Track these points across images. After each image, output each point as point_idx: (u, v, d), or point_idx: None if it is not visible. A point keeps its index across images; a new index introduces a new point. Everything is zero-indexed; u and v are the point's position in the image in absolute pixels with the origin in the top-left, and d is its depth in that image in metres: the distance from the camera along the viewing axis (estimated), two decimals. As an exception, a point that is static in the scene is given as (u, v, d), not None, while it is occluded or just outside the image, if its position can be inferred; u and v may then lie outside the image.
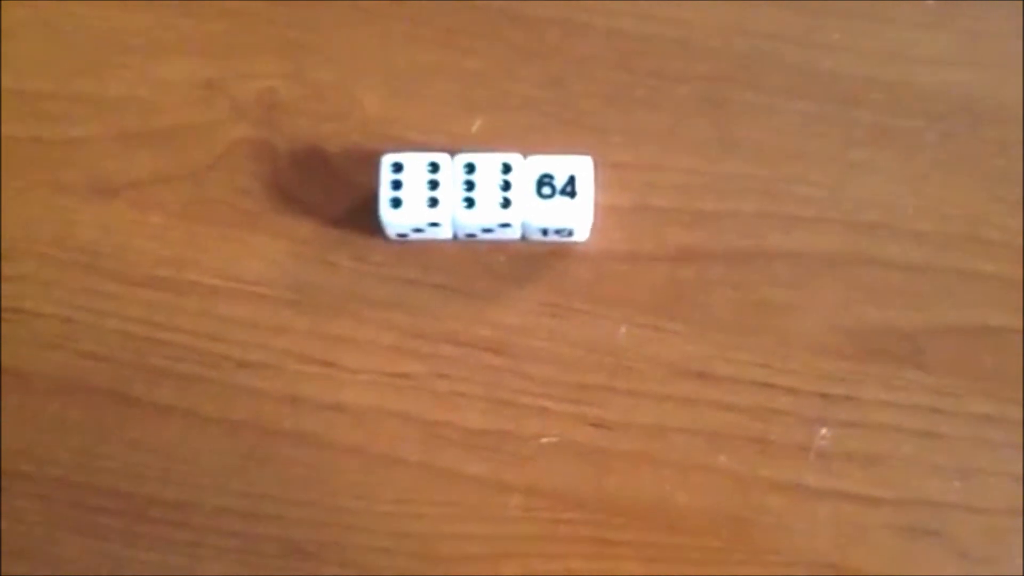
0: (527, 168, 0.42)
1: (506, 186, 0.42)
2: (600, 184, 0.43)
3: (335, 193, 0.44)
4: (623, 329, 0.43)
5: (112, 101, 0.45)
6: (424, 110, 0.45)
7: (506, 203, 0.42)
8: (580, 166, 0.42)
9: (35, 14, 0.47)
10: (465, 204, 0.42)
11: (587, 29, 0.46)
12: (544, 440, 0.42)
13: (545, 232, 0.43)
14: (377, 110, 0.45)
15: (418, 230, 0.43)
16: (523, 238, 0.44)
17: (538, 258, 0.44)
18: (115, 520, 0.41)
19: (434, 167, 0.42)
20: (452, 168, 0.42)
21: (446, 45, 0.46)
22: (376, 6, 0.46)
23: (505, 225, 0.42)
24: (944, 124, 0.44)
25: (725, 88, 0.45)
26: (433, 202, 0.42)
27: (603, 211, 0.43)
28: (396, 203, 0.42)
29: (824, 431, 0.42)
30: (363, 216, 0.44)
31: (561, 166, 0.42)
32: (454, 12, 0.46)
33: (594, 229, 0.43)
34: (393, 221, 0.42)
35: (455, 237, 0.44)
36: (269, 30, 0.46)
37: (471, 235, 0.43)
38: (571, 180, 0.42)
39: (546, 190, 0.42)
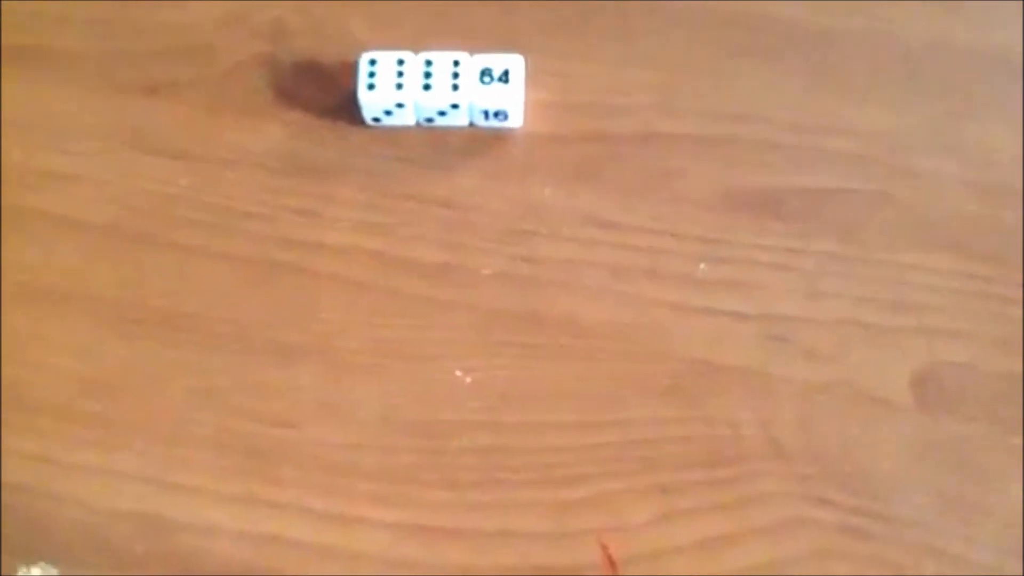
0: (472, 63, 0.54)
1: (455, 76, 0.54)
2: (530, 84, 0.55)
3: (325, 93, 0.57)
4: (547, 190, 0.55)
5: (156, 24, 0.58)
6: (399, 34, 0.57)
7: (455, 88, 0.54)
8: (513, 61, 0.54)
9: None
10: (424, 88, 0.54)
11: None
12: (485, 272, 0.53)
13: (486, 115, 0.55)
14: (363, 35, 0.58)
15: (387, 112, 0.55)
16: (471, 124, 0.56)
17: (482, 139, 0.56)
18: (144, 328, 0.53)
19: (400, 61, 0.54)
20: (415, 63, 0.54)
21: None
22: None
23: (455, 106, 0.54)
24: (800, 44, 0.57)
25: (629, 15, 0.57)
26: (399, 87, 0.54)
27: (532, 105, 0.56)
28: (371, 87, 0.54)
29: (703, 265, 0.53)
30: (346, 110, 0.56)
31: (499, 61, 0.54)
32: None
33: (526, 119, 0.56)
34: (368, 102, 0.54)
35: (417, 123, 0.56)
36: None
37: (429, 119, 0.55)
38: (506, 71, 0.54)
39: (487, 78, 0.54)
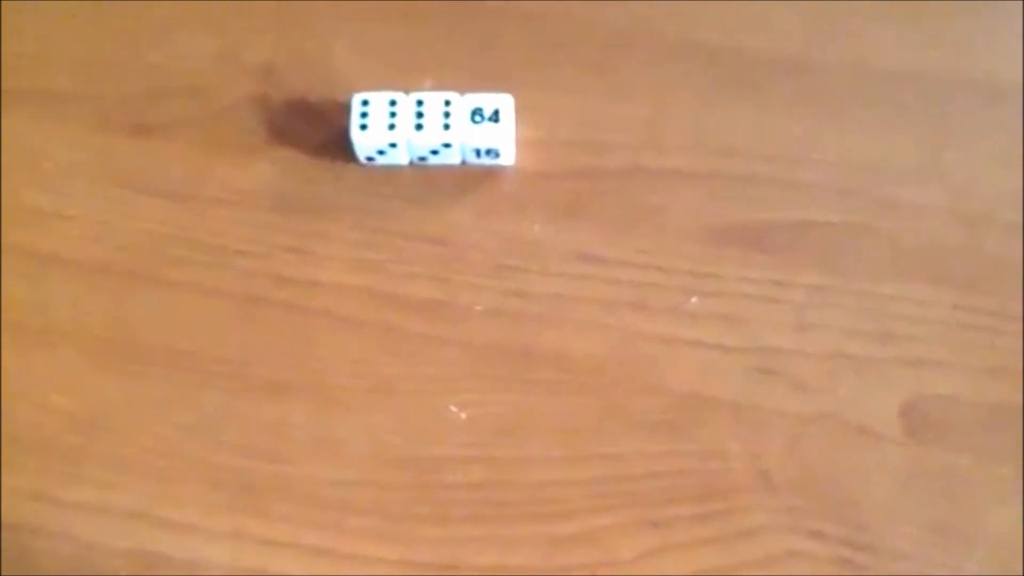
0: (463, 103, 0.55)
1: (447, 115, 0.55)
2: (518, 120, 0.56)
3: (317, 131, 0.57)
4: (537, 226, 0.55)
5: (147, 65, 0.59)
6: (387, 71, 0.58)
7: (447, 127, 0.55)
8: (503, 101, 0.55)
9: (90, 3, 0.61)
10: (416, 128, 0.55)
11: (507, 10, 0.59)
12: (478, 308, 0.54)
13: (478, 153, 0.56)
14: (351, 72, 0.58)
15: (380, 152, 0.56)
16: (463, 162, 0.57)
17: (474, 176, 0.56)
18: (136, 365, 0.53)
19: (392, 102, 0.55)
20: (406, 103, 0.55)
21: (405, 21, 0.59)
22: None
23: (447, 145, 0.55)
24: (776, 75, 0.58)
25: (614, 50, 0.58)
26: (391, 127, 0.55)
27: (522, 142, 0.56)
28: (363, 127, 0.55)
29: (695, 299, 0.54)
30: (338, 148, 0.56)
31: (489, 101, 0.55)
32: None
33: (516, 157, 0.56)
34: (361, 142, 0.55)
35: (410, 162, 0.56)
36: (265, 12, 0.60)
37: (422, 158, 0.56)
38: (496, 111, 0.55)
39: (477, 118, 0.55)
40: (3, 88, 0.59)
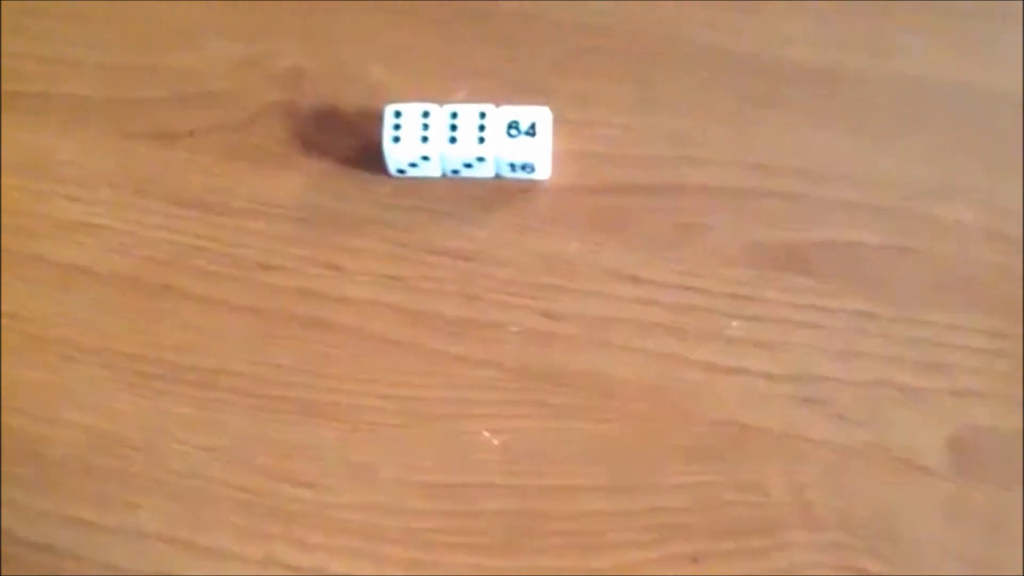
0: (498, 115, 0.54)
1: (482, 128, 0.53)
2: (555, 135, 0.54)
3: (347, 142, 0.56)
4: (573, 244, 0.53)
5: (171, 70, 0.57)
6: (420, 80, 0.57)
7: (481, 140, 0.53)
8: (541, 114, 0.53)
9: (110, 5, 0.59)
10: (450, 140, 0.53)
11: (542, 20, 0.58)
12: (512, 329, 0.52)
13: (513, 167, 0.54)
14: (382, 79, 0.57)
15: (413, 164, 0.54)
16: (496, 176, 0.55)
17: (508, 190, 0.55)
18: (162, 383, 0.52)
19: (426, 114, 0.54)
20: (440, 115, 0.54)
21: (439, 29, 0.58)
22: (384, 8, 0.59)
23: (481, 159, 0.53)
24: (821, 91, 0.56)
25: (651, 64, 0.57)
26: (424, 139, 0.53)
27: (557, 155, 0.55)
28: (396, 139, 0.53)
29: (735, 323, 0.52)
30: (369, 159, 0.55)
31: (526, 114, 0.53)
32: (442, 7, 0.58)
33: (551, 171, 0.55)
34: (393, 155, 0.53)
35: (443, 174, 0.55)
36: (294, 17, 0.58)
37: (455, 171, 0.55)
38: (533, 124, 0.53)
39: (513, 131, 0.53)
40: (27, 94, 0.57)
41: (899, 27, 0.57)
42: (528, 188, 0.55)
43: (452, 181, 0.55)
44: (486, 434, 0.50)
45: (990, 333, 0.51)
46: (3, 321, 0.53)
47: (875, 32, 0.57)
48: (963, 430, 0.50)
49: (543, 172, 0.55)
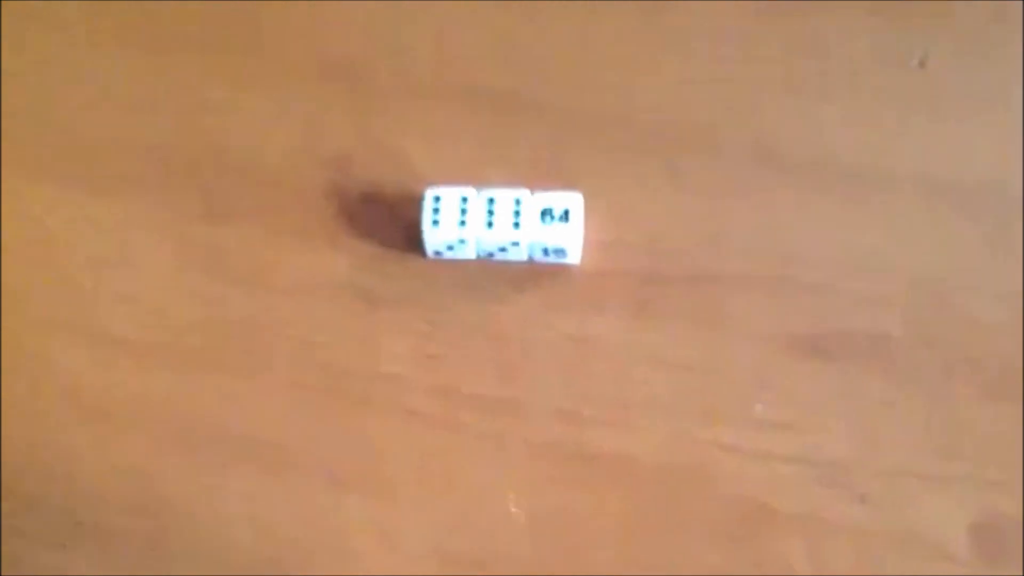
0: (533, 200, 0.56)
1: (517, 214, 0.56)
2: (586, 221, 0.56)
3: (388, 223, 0.58)
4: (603, 326, 0.55)
5: (219, 150, 0.60)
6: (457, 165, 0.59)
7: (516, 225, 0.55)
8: (573, 200, 0.56)
9: (179, 87, 0.62)
10: (487, 226, 0.55)
11: (575, 110, 0.60)
12: (540, 406, 0.53)
13: (546, 252, 0.56)
14: (423, 164, 0.59)
15: (450, 247, 0.56)
16: (529, 259, 0.57)
17: (540, 274, 0.56)
18: (200, 451, 0.54)
19: (464, 199, 0.56)
20: (477, 201, 0.56)
21: (476, 119, 0.60)
22: (415, 90, 0.61)
23: (515, 243, 0.56)
24: (848, 182, 0.57)
25: (681, 153, 0.58)
26: (462, 223, 0.55)
27: (589, 241, 0.56)
28: (435, 223, 0.55)
29: (759, 406, 0.53)
30: (407, 240, 0.57)
31: (559, 200, 0.56)
32: (480, 95, 0.61)
33: (582, 256, 0.57)
34: (431, 238, 0.56)
35: (477, 256, 0.57)
36: (342, 104, 0.61)
37: (490, 254, 0.57)
38: (566, 210, 0.55)
39: (547, 217, 0.55)
40: (84, 175, 0.60)
41: (933, 124, 0.58)
42: (559, 272, 0.57)
43: (486, 263, 0.57)
44: (513, 509, 0.52)
45: (1013, 421, 0.52)
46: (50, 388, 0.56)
47: (908, 130, 0.58)
48: (987, 517, 0.50)
49: (574, 257, 0.57)
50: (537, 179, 0.57)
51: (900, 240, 0.56)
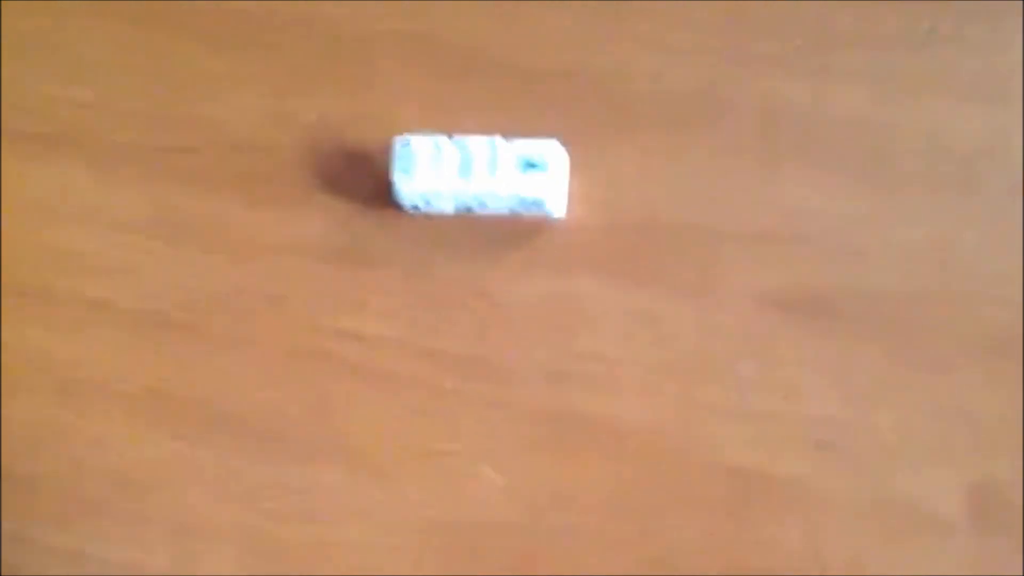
0: (510, 148, 0.52)
1: (493, 159, 0.52)
2: (573, 173, 0.53)
3: (365, 180, 0.55)
4: (587, 283, 0.52)
5: (194, 117, 0.57)
6: (435, 122, 0.55)
7: (493, 172, 0.52)
8: (551, 147, 0.52)
9: (153, 55, 0.59)
10: (462, 173, 0.52)
11: (562, 68, 0.55)
12: (521, 367, 0.51)
13: (526, 204, 0.53)
14: (404, 121, 0.55)
15: (426, 200, 0.53)
16: (511, 212, 0.54)
17: (523, 228, 0.53)
18: (179, 424, 0.52)
19: (437, 145, 0.53)
20: (450, 146, 0.53)
21: (450, 77, 0.56)
22: (387, 45, 0.57)
23: (493, 194, 0.53)
24: (850, 140, 0.52)
25: (673, 109, 0.54)
26: (436, 171, 0.52)
27: (576, 197, 0.53)
28: (407, 171, 0.53)
29: (750, 366, 0.50)
30: (386, 197, 0.54)
31: (536, 148, 0.52)
32: (455, 54, 0.57)
33: (568, 209, 0.53)
34: (405, 188, 0.53)
35: (456, 211, 0.54)
36: (317, 64, 0.57)
37: (469, 207, 0.54)
38: (544, 159, 0.52)
39: (525, 166, 0.52)
40: (61, 140, 0.58)
41: (938, 91, 0.53)
42: (543, 227, 0.54)
43: (466, 218, 0.54)
44: (492, 474, 0.50)
45: (1011, 383, 0.49)
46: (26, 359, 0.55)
47: (910, 93, 0.53)
48: (983, 482, 0.47)
49: (557, 210, 0.54)
50: (525, 134, 0.53)
51: (896, 199, 0.52)
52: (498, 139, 0.53)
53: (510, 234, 0.54)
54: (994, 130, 0.52)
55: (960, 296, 0.50)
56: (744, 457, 0.49)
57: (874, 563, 0.46)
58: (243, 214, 0.55)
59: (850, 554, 0.47)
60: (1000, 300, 0.50)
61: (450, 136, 0.53)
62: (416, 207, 0.54)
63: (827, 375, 0.49)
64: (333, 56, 0.57)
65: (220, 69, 0.58)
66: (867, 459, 0.48)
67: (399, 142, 0.53)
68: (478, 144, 0.53)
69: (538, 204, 0.53)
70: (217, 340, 0.54)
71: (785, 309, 0.50)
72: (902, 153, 0.52)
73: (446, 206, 0.54)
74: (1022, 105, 0.51)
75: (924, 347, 0.49)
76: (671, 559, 0.48)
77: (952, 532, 0.46)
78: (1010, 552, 0.46)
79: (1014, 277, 0.50)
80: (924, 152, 0.52)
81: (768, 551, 0.47)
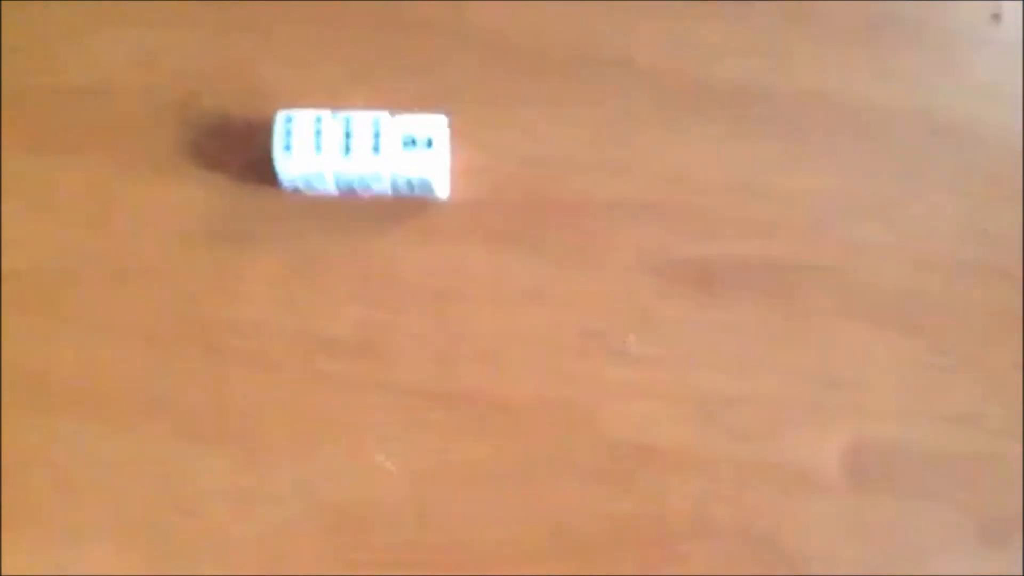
0: (394, 124, 0.52)
1: (376, 136, 0.52)
2: (455, 148, 0.53)
3: (243, 152, 0.53)
4: (472, 260, 0.52)
5: (55, 67, 0.54)
6: (318, 90, 0.54)
7: (376, 150, 0.51)
8: (437, 123, 0.52)
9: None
10: (344, 151, 0.51)
11: (449, 30, 0.55)
12: (407, 347, 0.51)
13: (411, 185, 0.52)
14: (281, 91, 0.54)
15: (307, 181, 0.52)
16: (394, 192, 0.53)
17: (407, 207, 0.53)
18: (49, 408, 0.50)
19: (318, 119, 0.52)
20: (333, 123, 0.52)
21: (335, 34, 0.55)
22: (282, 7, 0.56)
23: (376, 175, 0.52)
24: (736, 105, 0.54)
25: (558, 76, 0.55)
26: (318, 149, 0.51)
27: (458, 171, 0.53)
28: (287, 148, 0.51)
29: (632, 337, 0.51)
30: (264, 172, 0.52)
31: (421, 123, 0.52)
32: (343, 9, 0.56)
33: (451, 185, 0.53)
34: (285, 166, 0.52)
35: (338, 191, 0.53)
36: (191, 16, 0.55)
37: (351, 188, 0.53)
38: (429, 138, 0.52)
39: (408, 145, 0.52)
40: None
41: (826, 46, 0.56)
42: (428, 205, 0.53)
43: (349, 199, 0.53)
44: (381, 459, 0.49)
45: (892, 348, 0.51)
46: None
47: (800, 50, 0.55)
48: (859, 442, 0.50)
49: (441, 191, 0.54)
50: (406, 106, 0.52)
51: (786, 163, 0.54)
52: (384, 115, 0.52)
53: (393, 213, 0.53)
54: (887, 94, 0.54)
55: (847, 265, 0.52)
56: (629, 430, 0.50)
57: (761, 523, 0.48)
58: (109, 185, 0.53)
59: (738, 516, 0.48)
60: (875, 268, 0.52)
61: (334, 112, 0.52)
62: (297, 189, 0.53)
63: (710, 345, 0.51)
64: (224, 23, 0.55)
65: (91, 29, 0.54)
66: (749, 425, 0.50)
67: (282, 116, 0.52)
68: (361, 119, 0.52)
69: (424, 186, 0.53)
70: (74, 321, 0.51)
71: (672, 280, 0.52)
72: (791, 116, 0.54)
73: (328, 187, 0.53)
74: (1022, 105, 0.54)
75: (801, 315, 0.51)
76: (563, 531, 0.48)
77: (831, 491, 0.49)
78: (885, 508, 0.49)
79: (889, 243, 0.52)
80: (813, 114, 0.54)
81: (658, 518, 0.48)
